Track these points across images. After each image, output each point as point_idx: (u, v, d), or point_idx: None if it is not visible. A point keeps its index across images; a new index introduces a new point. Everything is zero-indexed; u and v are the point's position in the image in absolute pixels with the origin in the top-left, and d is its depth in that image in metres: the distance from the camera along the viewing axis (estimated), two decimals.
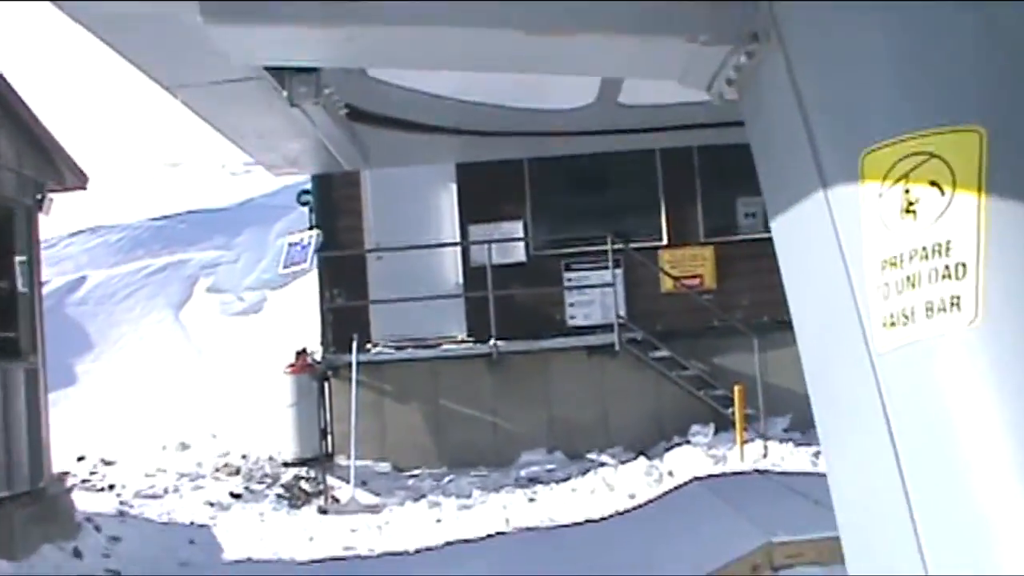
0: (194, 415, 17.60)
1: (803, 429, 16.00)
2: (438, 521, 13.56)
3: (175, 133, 31.74)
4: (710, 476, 13.13)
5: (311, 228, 16.59)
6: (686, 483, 12.91)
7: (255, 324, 19.98)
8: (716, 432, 15.72)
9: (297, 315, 18.56)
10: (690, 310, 16.33)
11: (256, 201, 25.45)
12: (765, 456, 14.72)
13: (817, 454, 14.66)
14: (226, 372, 18.58)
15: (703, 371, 15.88)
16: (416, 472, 15.93)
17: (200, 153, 31.03)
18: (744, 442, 14.28)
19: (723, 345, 16.34)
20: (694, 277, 16.32)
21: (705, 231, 16.64)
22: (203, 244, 23.15)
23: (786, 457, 14.63)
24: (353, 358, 15.33)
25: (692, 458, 14.93)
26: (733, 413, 15.28)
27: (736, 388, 14.38)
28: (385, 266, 16.54)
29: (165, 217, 24.25)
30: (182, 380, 18.71)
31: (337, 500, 15.06)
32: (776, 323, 15.94)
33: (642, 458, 15.04)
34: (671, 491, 12.83)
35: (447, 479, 15.48)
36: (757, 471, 13.36)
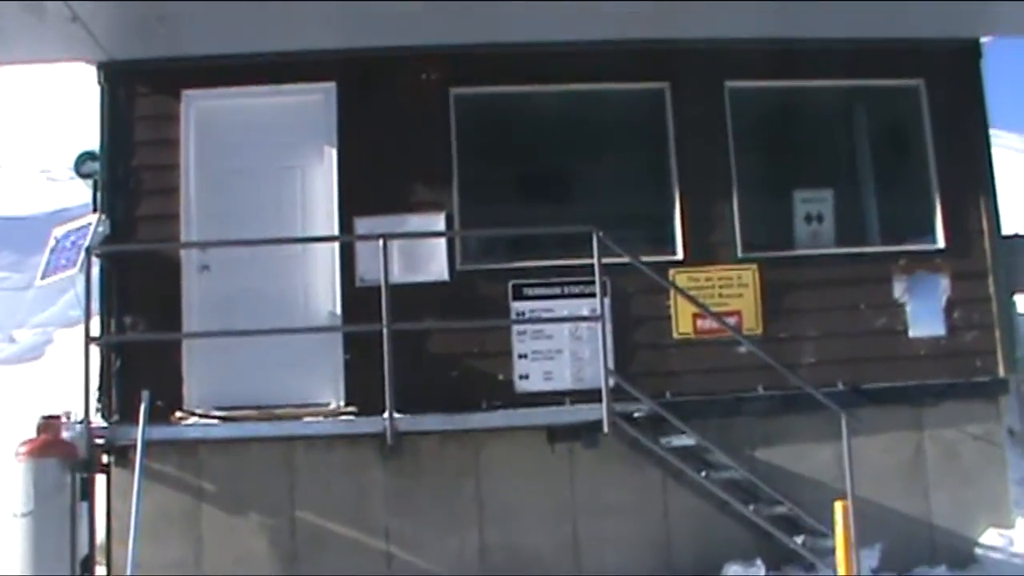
0: None
1: (902, 568, 10.23)
2: None
3: None
4: None
5: (95, 212, 10.58)
6: None
7: (29, 377, 13.75)
8: (775, 573, 9.85)
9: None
10: (721, 369, 10.51)
11: (73, 211, 19.15)
12: None
13: None
14: None
15: (744, 471, 9.88)
16: None
17: (18, 157, 24.97)
18: None
19: (775, 428, 10.53)
20: (728, 315, 10.46)
21: (744, 242, 10.82)
22: None
23: None
24: (139, 431, 9.13)
25: None
26: (808, 544, 9.43)
27: (838, 505, 8.44)
28: (214, 281, 10.52)
29: None
30: None
31: None
32: (857, 393, 10.28)
33: None
34: None
35: None
36: None
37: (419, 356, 10.13)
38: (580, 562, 10.16)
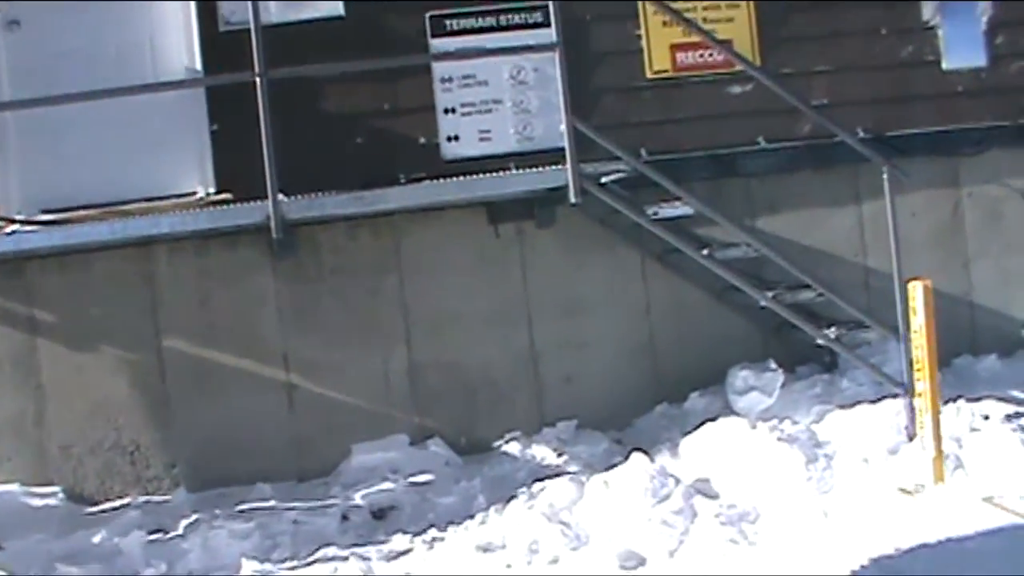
0: None
1: (940, 360, 8.49)
2: None
3: None
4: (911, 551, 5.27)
5: None
6: None
7: None
8: (786, 378, 8.21)
9: None
10: (709, 117, 8.60)
11: None
12: (911, 438, 7.18)
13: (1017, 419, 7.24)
14: None
15: (759, 246, 7.98)
16: (119, 505, 7.99)
17: None
18: (939, 418, 6.48)
19: (780, 190, 8.80)
20: (717, 43, 8.32)
21: None
22: None
23: (964, 438, 7.01)
24: None
25: (748, 449, 7.30)
26: (844, 339, 7.67)
27: (916, 286, 6.60)
28: (26, 40, 8.20)
29: None
30: None
31: None
32: (881, 141, 8.58)
33: (637, 456, 7.13)
34: None
35: (184, 524, 7.48)
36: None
37: (312, 118, 8.08)
38: (540, 376, 8.45)
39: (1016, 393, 8.12)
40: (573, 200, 7.38)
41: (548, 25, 7.78)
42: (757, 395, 7.92)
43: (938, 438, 6.42)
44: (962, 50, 9.13)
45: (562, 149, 7.55)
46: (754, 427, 7.40)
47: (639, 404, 8.39)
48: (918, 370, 6.56)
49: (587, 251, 8.41)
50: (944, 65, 9.10)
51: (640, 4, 8.43)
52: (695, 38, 8.29)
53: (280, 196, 7.33)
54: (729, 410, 7.95)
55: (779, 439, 7.23)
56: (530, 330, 8.40)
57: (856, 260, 8.75)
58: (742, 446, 7.26)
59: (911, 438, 7.23)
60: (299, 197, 7.56)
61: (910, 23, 9.06)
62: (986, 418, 7.31)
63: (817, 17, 8.79)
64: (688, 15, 8.40)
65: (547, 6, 7.67)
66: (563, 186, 7.45)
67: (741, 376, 8.04)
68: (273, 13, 7.91)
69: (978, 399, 7.63)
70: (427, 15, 8.27)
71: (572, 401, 8.38)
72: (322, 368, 8.24)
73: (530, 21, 8.16)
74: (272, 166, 7.23)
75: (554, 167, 7.60)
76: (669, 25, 8.40)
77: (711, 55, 8.44)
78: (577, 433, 8.22)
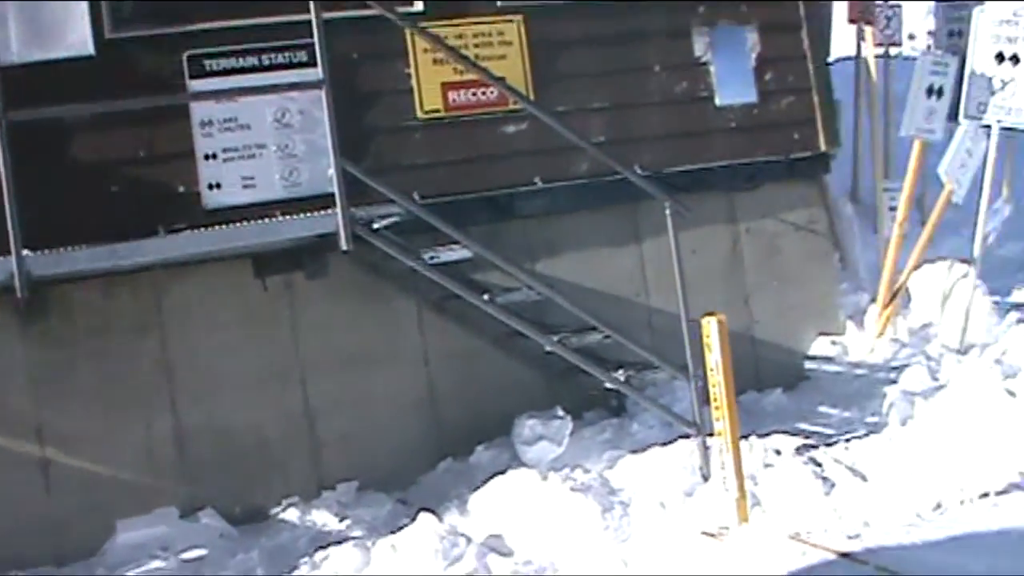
0: None
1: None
2: None
3: None
4: None
5: None
6: None
7: None
8: (574, 424, 7.94)
9: None
10: (483, 158, 8.35)
11: None
12: (706, 478, 7.07)
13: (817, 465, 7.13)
14: None
15: (543, 288, 7.73)
16: None
17: None
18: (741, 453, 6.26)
19: (559, 231, 8.61)
20: (488, 84, 8.07)
21: None
22: None
23: (759, 475, 6.91)
24: None
25: (540, 501, 6.95)
26: (634, 382, 7.53)
27: (710, 321, 6.51)
28: None
29: None
30: None
31: None
32: (661, 177, 8.54)
33: (424, 516, 6.76)
34: None
35: None
36: (843, 555, 5.42)
37: (61, 166, 7.39)
38: (316, 436, 7.93)
39: (803, 426, 8.10)
40: (344, 247, 6.91)
41: (314, 64, 7.19)
42: (546, 444, 7.63)
43: (740, 477, 6.24)
44: (734, 86, 9.12)
45: (331, 194, 7.05)
46: (545, 478, 7.07)
47: (422, 461, 7.97)
48: (716, 408, 6.38)
49: (361, 301, 7.98)
50: (717, 101, 9.08)
51: (409, 41, 8.13)
52: (467, 76, 8.00)
53: (25, 251, 6.67)
54: (518, 462, 7.62)
55: (572, 489, 6.93)
56: (304, 388, 7.86)
57: (639, 300, 8.64)
58: (534, 499, 6.91)
59: (706, 478, 7.10)
60: (47, 252, 6.94)
61: (683, 59, 8.98)
62: (778, 453, 7.17)
63: (591, 54, 8.64)
64: (460, 49, 8.18)
65: (312, 44, 7.24)
66: (333, 233, 6.97)
67: (528, 425, 7.73)
68: (14, 52, 7.24)
69: (768, 434, 7.49)
70: (185, 55, 7.68)
71: (352, 461, 7.88)
72: (80, 440, 7.48)
73: (295, 60, 7.67)
74: (15, 218, 6.57)
75: (323, 212, 7.16)
76: (440, 63, 8.12)
77: (484, 93, 8.19)
78: (359, 495, 7.73)
